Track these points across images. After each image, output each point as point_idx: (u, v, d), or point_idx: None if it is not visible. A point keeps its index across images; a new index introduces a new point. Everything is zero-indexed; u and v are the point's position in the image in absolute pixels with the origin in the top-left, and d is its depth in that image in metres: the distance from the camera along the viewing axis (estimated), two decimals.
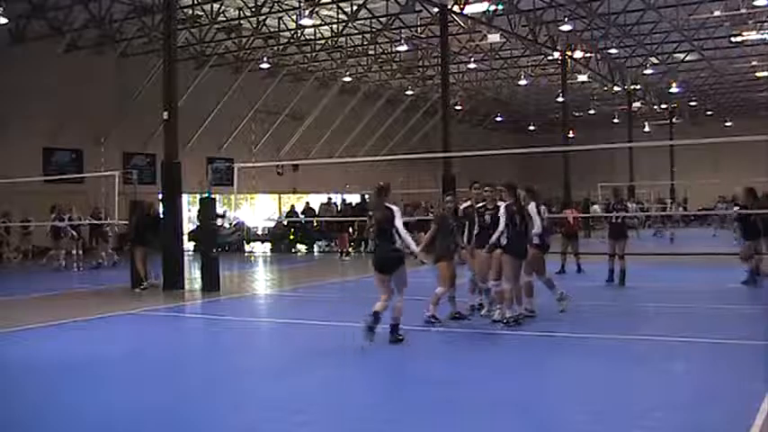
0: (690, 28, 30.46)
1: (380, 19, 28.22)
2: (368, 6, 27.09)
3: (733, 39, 31.13)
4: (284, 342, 10.24)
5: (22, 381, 7.71)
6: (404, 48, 30.33)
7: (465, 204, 10.93)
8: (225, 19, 27.42)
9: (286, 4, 26.21)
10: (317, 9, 25.98)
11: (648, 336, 9.55)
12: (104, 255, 21.30)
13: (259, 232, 31.86)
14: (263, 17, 27.42)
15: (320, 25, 28.56)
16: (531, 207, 10.59)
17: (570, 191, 33.69)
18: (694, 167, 44.22)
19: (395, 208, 9.02)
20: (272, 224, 31.52)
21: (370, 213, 9.57)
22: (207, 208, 16.09)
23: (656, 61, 37.25)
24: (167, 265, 15.55)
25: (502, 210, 9.90)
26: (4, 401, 6.91)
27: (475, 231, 10.43)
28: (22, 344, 9.85)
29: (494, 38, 29.72)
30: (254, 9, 26.34)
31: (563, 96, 36.22)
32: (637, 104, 46.33)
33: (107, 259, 21.23)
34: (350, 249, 25.40)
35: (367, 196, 35.38)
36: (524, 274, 10.34)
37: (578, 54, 33.37)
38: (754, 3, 25.98)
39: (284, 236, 29.34)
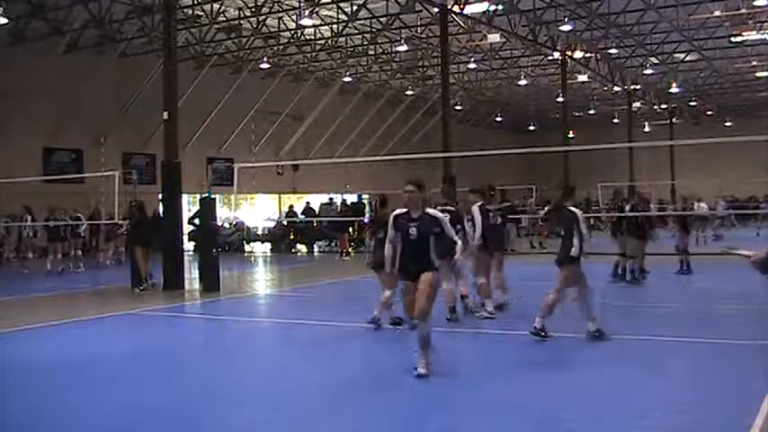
0: (690, 28, 30.48)
1: (380, 19, 28.23)
2: (368, 6, 27.10)
3: (733, 39, 31.16)
4: (284, 342, 10.23)
5: (22, 381, 7.70)
6: (404, 48, 30.36)
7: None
8: (225, 19, 27.43)
9: (286, 4, 26.22)
10: (317, 9, 25.99)
11: (648, 336, 9.54)
12: (110, 254, 21.02)
13: (259, 232, 31.87)
14: (263, 17, 27.44)
15: (320, 25, 28.58)
16: (475, 209, 11.00)
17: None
18: (694, 167, 44.22)
19: (578, 212, 9.18)
20: (272, 224, 31.52)
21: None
22: (207, 208, 16.09)
23: (656, 61, 37.28)
24: (167, 265, 15.56)
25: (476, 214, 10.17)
26: (3, 402, 6.91)
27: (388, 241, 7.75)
28: (22, 344, 9.85)
29: (494, 38, 29.76)
30: (254, 9, 26.35)
31: (563, 96, 36.23)
32: (637, 104, 46.35)
33: (113, 258, 20.97)
34: (350, 249, 25.39)
35: (366, 196, 35.48)
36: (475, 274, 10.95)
37: (578, 54, 33.39)
38: (754, 3, 26.03)
39: (284, 236, 29.35)
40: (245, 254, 28.33)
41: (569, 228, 9.18)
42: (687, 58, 36.15)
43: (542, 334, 8.93)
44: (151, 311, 12.72)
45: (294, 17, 26.76)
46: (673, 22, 29.37)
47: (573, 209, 9.42)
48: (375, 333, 9.91)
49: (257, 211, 37.81)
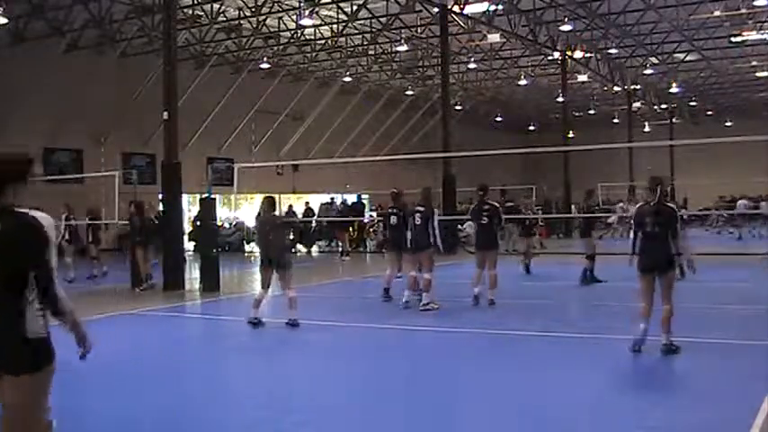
0: (690, 28, 30.48)
1: (380, 19, 28.23)
2: (368, 6, 27.10)
3: (733, 39, 31.15)
4: (283, 342, 10.23)
5: None
6: (404, 48, 30.35)
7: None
8: (225, 19, 27.43)
9: (286, 4, 26.22)
10: (317, 9, 25.99)
11: (648, 336, 9.52)
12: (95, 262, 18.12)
13: None
14: (263, 17, 27.42)
15: (320, 25, 28.57)
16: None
17: (570, 191, 33.73)
18: (694, 167, 44.24)
19: (675, 207, 8.27)
20: None
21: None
22: (207, 208, 16.09)
23: (656, 61, 37.28)
24: (167, 265, 15.55)
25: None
26: None
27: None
28: None
29: (494, 38, 29.75)
30: (254, 9, 26.35)
31: (563, 96, 36.26)
32: (637, 104, 46.36)
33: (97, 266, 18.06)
34: (349, 249, 25.38)
35: (365, 196, 35.44)
36: (487, 267, 11.90)
37: (578, 54, 33.40)
38: (754, 3, 26.03)
39: None
40: (245, 254, 28.32)
41: (668, 225, 7.90)
42: (687, 58, 36.14)
43: (673, 348, 7.97)
44: (151, 311, 12.72)
45: (294, 17, 26.74)
46: (673, 22, 29.37)
47: (671, 204, 8.36)
48: (377, 333, 9.91)
49: (257, 211, 37.70)
